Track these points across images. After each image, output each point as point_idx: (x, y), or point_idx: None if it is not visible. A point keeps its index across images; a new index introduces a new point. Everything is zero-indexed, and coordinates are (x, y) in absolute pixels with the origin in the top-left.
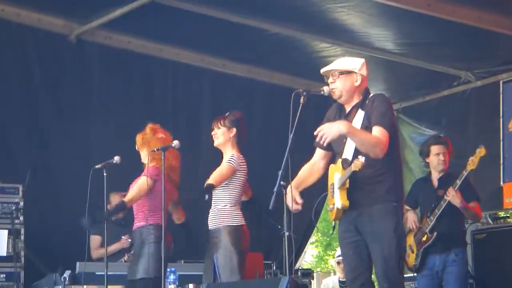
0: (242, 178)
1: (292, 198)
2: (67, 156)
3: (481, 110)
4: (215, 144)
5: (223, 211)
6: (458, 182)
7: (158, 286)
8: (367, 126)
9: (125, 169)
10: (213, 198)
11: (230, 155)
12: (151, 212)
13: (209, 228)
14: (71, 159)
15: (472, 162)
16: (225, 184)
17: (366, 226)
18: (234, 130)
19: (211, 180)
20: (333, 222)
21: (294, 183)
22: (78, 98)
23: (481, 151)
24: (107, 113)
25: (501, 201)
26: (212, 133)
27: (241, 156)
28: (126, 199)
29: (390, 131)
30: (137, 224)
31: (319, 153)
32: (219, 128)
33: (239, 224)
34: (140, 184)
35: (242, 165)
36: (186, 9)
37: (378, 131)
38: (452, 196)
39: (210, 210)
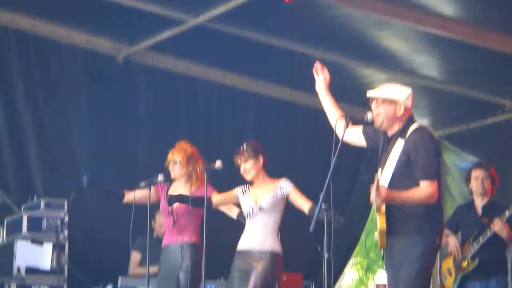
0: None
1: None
2: (113, 173)
3: None
4: (249, 178)
5: (267, 235)
6: (507, 213)
7: None
8: (403, 161)
9: None
10: (257, 221)
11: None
12: (195, 230)
13: (246, 249)
14: (117, 176)
15: None
16: (273, 209)
17: (396, 256)
18: (261, 158)
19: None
20: (381, 251)
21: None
22: (124, 117)
23: None
24: (153, 132)
25: None
26: (241, 170)
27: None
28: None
29: (436, 176)
30: (181, 239)
31: (349, 128)
32: (247, 161)
33: (279, 251)
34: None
35: None
36: (231, 33)
37: (425, 187)
38: (500, 228)
39: (247, 232)
